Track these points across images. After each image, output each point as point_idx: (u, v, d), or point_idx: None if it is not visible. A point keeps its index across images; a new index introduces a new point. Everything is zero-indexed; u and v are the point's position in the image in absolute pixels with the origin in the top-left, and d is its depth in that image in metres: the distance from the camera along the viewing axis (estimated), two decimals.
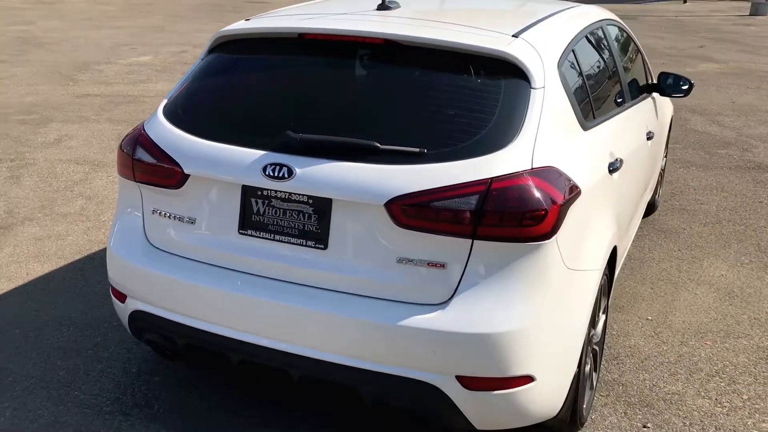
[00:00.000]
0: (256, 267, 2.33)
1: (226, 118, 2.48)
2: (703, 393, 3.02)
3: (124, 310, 2.61)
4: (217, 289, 2.35)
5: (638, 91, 3.84)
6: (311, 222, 2.24)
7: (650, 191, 4.40)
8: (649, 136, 3.65)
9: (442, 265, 2.14)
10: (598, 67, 3.17)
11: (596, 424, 2.79)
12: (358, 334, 2.18)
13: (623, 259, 3.56)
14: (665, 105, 4.74)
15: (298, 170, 2.20)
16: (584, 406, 2.63)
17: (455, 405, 2.17)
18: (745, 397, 3.01)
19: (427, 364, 2.14)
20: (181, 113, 2.53)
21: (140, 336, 2.65)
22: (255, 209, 2.31)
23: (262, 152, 2.27)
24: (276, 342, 2.28)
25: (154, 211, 2.51)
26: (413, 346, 2.13)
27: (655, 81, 4.22)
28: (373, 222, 2.16)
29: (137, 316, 2.57)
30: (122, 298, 2.61)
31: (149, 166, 2.46)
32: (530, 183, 2.13)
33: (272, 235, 2.30)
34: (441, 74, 2.39)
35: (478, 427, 2.26)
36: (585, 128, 2.61)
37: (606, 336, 3.20)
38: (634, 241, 4.54)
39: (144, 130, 2.55)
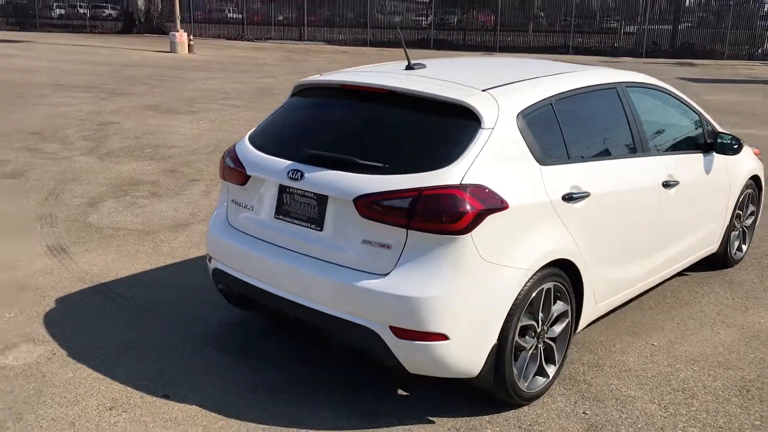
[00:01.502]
0: (282, 241, 3.38)
1: (278, 139, 3.59)
2: (656, 401, 3.49)
3: (210, 268, 3.80)
4: (257, 255, 3.43)
5: (674, 146, 4.38)
6: (315, 211, 3.25)
7: (703, 240, 4.77)
8: (669, 185, 4.13)
9: (389, 246, 3.04)
10: (589, 121, 3.84)
11: (544, 405, 3.42)
12: (332, 290, 3.13)
13: (631, 289, 4.09)
14: (741, 163, 5.07)
15: (307, 174, 3.24)
16: (517, 379, 3.27)
17: (389, 348, 3.02)
18: (693, 408, 3.43)
19: (372, 315, 3.03)
20: (257, 136, 3.70)
21: (217, 286, 3.81)
22: (285, 201, 3.37)
23: (289, 162, 3.34)
24: (286, 293, 3.30)
25: (233, 201, 3.67)
26: (364, 300, 3.03)
27: (710, 140, 4.67)
28: (347, 213, 3.12)
29: (216, 272, 3.74)
30: (210, 260, 3.80)
31: (230, 169, 3.64)
32: (453, 193, 2.96)
33: (293, 219, 3.34)
34: (418, 114, 3.32)
35: (409, 370, 3.08)
36: (543, 163, 3.34)
37: (585, 343, 3.78)
38: (690, 286, 4.93)
39: (234, 146, 3.75)
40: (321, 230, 3.23)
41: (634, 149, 3.99)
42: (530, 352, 3.36)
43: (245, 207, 3.58)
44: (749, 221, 5.46)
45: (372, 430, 3.17)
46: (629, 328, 4.29)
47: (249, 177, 3.52)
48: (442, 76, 3.61)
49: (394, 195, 3.00)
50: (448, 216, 2.94)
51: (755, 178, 5.36)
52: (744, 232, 5.43)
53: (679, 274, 5.11)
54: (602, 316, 4.25)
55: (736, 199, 5.06)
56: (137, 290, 4.64)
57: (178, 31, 26.30)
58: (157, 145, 9.33)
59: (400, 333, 2.99)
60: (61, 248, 5.38)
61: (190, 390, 3.44)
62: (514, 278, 3.12)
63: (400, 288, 2.97)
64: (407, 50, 3.91)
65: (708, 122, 4.79)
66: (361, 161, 3.16)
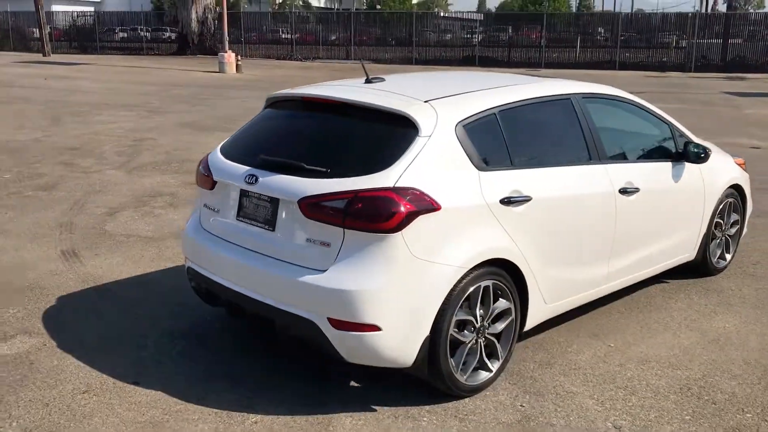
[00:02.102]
0: (242, 241, 3.66)
1: (244, 147, 3.89)
2: (595, 396, 3.63)
3: (186, 266, 4.12)
4: (221, 254, 3.73)
5: (636, 154, 4.55)
6: (268, 213, 3.53)
7: (676, 247, 4.87)
8: (628, 191, 4.27)
9: (328, 244, 3.29)
10: (537, 130, 4.04)
11: (486, 397, 3.60)
12: (279, 285, 3.40)
13: (589, 292, 4.24)
14: (719, 172, 5.15)
15: (261, 179, 3.52)
16: (455, 371, 3.46)
17: (327, 338, 3.27)
18: (629, 404, 3.56)
19: (312, 307, 3.28)
20: (228, 144, 4.01)
21: (190, 283, 4.12)
22: (244, 204, 3.67)
23: (247, 167, 3.63)
24: (242, 289, 3.59)
25: (204, 205, 3.99)
26: (306, 294, 3.29)
27: (681, 150, 4.79)
28: (294, 214, 3.39)
29: (189, 271, 4.05)
30: (186, 259, 4.12)
31: (201, 176, 3.96)
32: (386, 195, 3.20)
33: (251, 221, 3.62)
34: (365, 123, 3.58)
35: (346, 359, 3.32)
36: (482, 169, 3.55)
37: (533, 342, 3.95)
38: (666, 292, 5.03)
39: (207, 156, 4.07)
40: (273, 230, 3.51)
41: (588, 157, 4.15)
42: (469, 346, 3.55)
43: (214, 210, 3.89)
44: (733, 230, 5.51)
45: (316, 416, 3.40)
46: (592, 330, 4.42)
47: (216, 182, 3.83)
48: (394, 89, 3.86)
49: (333, 197, 3.25)
50: (379, 216, 3.18)
51: (737, 188, 5.42)
52: (727, 241, 5.48)
53: (658, 281, 5.21)
54: (564, 317, 4.39)
55: (713, 207, 5.13)
56: (132, 290, 5.00)
57: (226, 51, 27.18)
58: (184, 160, 9.81)
59: (337, 324, 3.24)
60: (73, 253, 5.80)
61: (159, 378, 3.74)
62: (446, 275, 3.33)
63: (336, 282, 3.22)
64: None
65: (681, 133, 4.90)
66: (308, 166, 3.43)
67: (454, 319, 3.41)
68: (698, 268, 5.29)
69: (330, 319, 3.25)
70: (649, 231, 4.61)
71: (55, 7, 48.17)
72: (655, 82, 25.83)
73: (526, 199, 3.67)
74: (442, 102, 3.64)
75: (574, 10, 79.92)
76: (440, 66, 32.08)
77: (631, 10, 76.19)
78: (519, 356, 4.04)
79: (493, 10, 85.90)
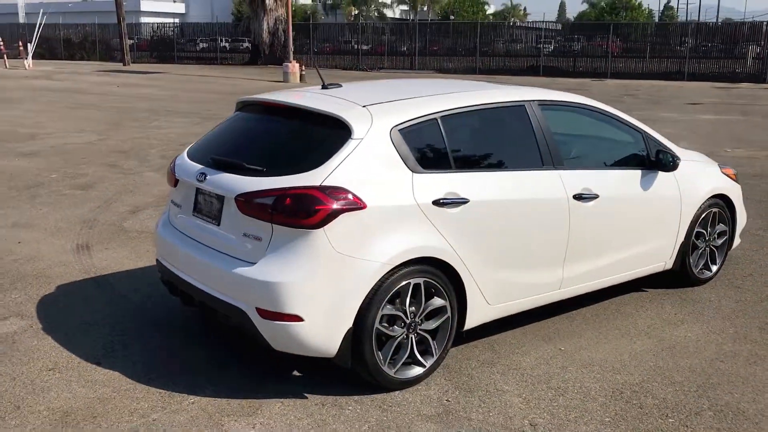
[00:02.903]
0: (197, 235, 3.94)
1: (205, 147, 4.16)
2: (523, 395, 3.71)
3: (156, 259, 4.43)
4: (179, 247, 4.01)
5: (597, 161, 4.60)
6: (216, 209, 3.79)
7: (647, 255, 4.87)
8: (584, 197, 4.32)
9: (260, 239, 3.52)
10: (483, 135, 4.16)
11: (416, 391, 3.73)
12: (218, 276, 3.65)
13: (540, 296, 4.31)
14: (699, 181, 5.11)
15: (208, 177, 3.79)
16: (382, 363, 3.61)
17: (256, 327, 3.49)
18: (555, 404, 3.62)
19: (243, 297, 3.52)
20: (194, 145, 4.30)
21: (159, 275, 4.42)
22: (198, 201, 3.94)
23: (201, 166, 3.91)
24: (192, 279, 3.86)
25: (172, 202, 4.29)
26: (238, 285, 3.52)
27: (653, 158, 4.80)
28: (233, 210, 3.63)
29: (158, 263, 4.36)
30: (156, 252, 4.43)
31: (169, 174, 4.26)
32: (311, 193, 3.41)
33: (203, 216, 3.89)
34: (306, 125, 3.82)
35: (274, 347, 3.53)
36: (417, 171, 3.70)
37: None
38: (640, 301, 5.03)
39: (176, 157, 4.37)
40: (219, 225, 3.76)
41: (541, 163, 4.23)
42: (398, 341, 3.70)
43: (178, 206, 4.18)
44: (719, 241, 5.44)
45: (249, 400, 3.62)
46: (548, 333, 4.49)
47: (177, 180, 4.13)
48: (343, 95, 4.07)
49: (263, 194, 3.49)
50: (303, 213, 3.39)
51: (724, 198, 5.35)
52: (712, 252, 5.42)
53: (637, 289, 5.21)
54: (523, 320, 4.50)
55: (692, 216, 5.09)
56: (127, 281, 5.36)
57: (290, 61, 27.92)
58: None
59: (264, 313, 3.46)
60: (86, 247, 6.23)
61: (120, 361, 4.04)
62: (369, 270, 3.50)
63: (263, 274, 3.44)
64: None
65: (655, 141, 4.90)
66: (248, 165, 3.68)
67: (381, 313, 3.57)
68: (679, 277, 5.26)
69: (258, 309, 3.47)
70: (614, 238, 4.64)
71: (144, 19, 50.53)
72: (720, 93, 25.03)
73: (463, 201, 3.80)
74: (380, 107, 3.82)
75: (657, 20, 78.02)
76: (503, 76, 32.00)
77: (717, 19, 73.82)
78: (464, 354, 4.16)
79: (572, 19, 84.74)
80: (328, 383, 3.78)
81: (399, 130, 3.74)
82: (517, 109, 4.29)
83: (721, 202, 5.35)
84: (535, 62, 34.18)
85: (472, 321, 4.01)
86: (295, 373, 3.93)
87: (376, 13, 79.11)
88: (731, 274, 5.65)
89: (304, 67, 28.31)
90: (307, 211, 3.39)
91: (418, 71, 35.16)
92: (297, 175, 3.50)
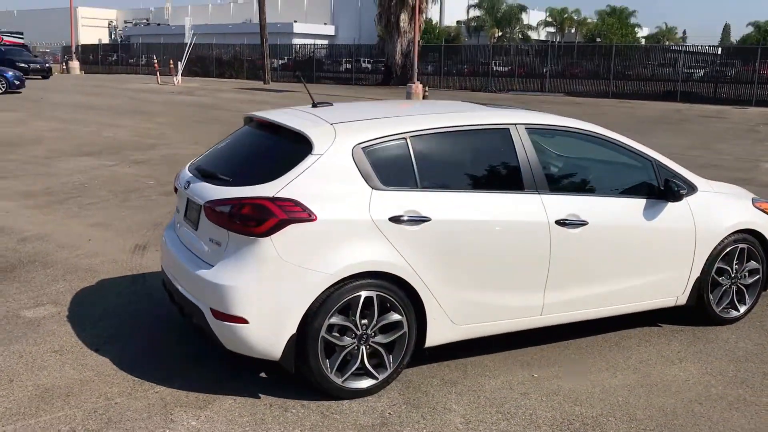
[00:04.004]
0: (185, 240, 4.27)
1: (201, 158, 4.50)
2: (468, 416, 3.70)
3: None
4: (171, 250, 4.35)
5: (592, 188, 4.51)
6: (196, 215, 4.09)
7: (654, 288, 4.67)
8: (568, 223, 4.24)
9: (219, 244, 3.78)
10: (456, 156, 4.18)
11: (365, 401, 3.82)
12: (189, 277, 3.94)
13: (517, 320, 4.27)
14: (718, 213, 4.84)
15: (191, 185, 4.11)
16: (329, 371, 3.74)
17: (210, 326, 3.75)
18: (495, 427, 3.60)
19: (202, 297, 3.78)
20: (197, 157, 4.66)
21: (162, 281, 4.78)
22: (187, 207, 4.27)
23: (190, 175, 4.24)
24: (174, 279, 4.18)
25: (176, 209, 4.66)
26: (199, 286, 3.80)
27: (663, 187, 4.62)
28: (203, 216, 3.93)
29: (162, 268, 4.73)
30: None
31: (174, 185, 4.63)
32: (262, 204, 3.63)
33: (189, 221, 4.22)
34: (279, 140, 4.05)
35: (225, 347, 3.76)
36: (377, 188, 3.82)
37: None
38: (648, 335, 4.83)
39: (181, 169, 4.74)
40: (196, 230, 4.07)
41: (521, 186, 4.20)
42: (348, 351, 3.81)
43: (178, 212, 4.54)
44: (750, 280, 5.08)
45: (206, 394, 3.87)
46: (530, 360, 4.42)
47: (176, 188, 4.49)
48: (322, 113, 4.27)
49: (222, 202, 3.75)
50: (253, 221, 3.62)
51: (755, 234, 5.01)
52: (742, 291, 5.07)
53: (651, 323, 5.00)
54: (510, 344, 4.50)
55: (710, 251, 4.82)
56: (158, 280, 5.79)
57: (414, 82, 28.46)
58: None
59: (216, 314, 3.70)
60: (143, 247, 6.79)
61: (116, 350, 4.43)
62: (314, 280, 3.65)
63: (216, 277, 3.70)
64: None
65: (666, 170, 4.71)
66: (220, 175, 3.96)
67: (327, 322, 3.71)
68: (697, 315, 4.98)
69: (211, 309, 3.72)
70: (608, 267, 4.50)
71: (296, 41, 53.19)
72: None
73: (424, 220, 3.87)
74: (347, 125, 3.98)
75: None
76: (633, 101, 30.83)
77: None
78: (431, 372, 4.20)
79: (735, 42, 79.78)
80: (287, 387, 3.95)
81: (362, 148, 3.88)
82: (501, 132, 4.29)
83: (752, 237, 5.01)
84: (672, 87, 32.62)
85: (433, 339, 4.05)
86: (262, 374, 4.14)
87: (520, 35, 78.62)
88: (763, 315, 5.25)
89: (427, 89, 28.74)
90: (256, 220, 3.61)
91: (547, 94, 34.59)
92: (255, 186, 3.73)
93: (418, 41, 37.94)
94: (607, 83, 34.01)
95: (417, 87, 28.13)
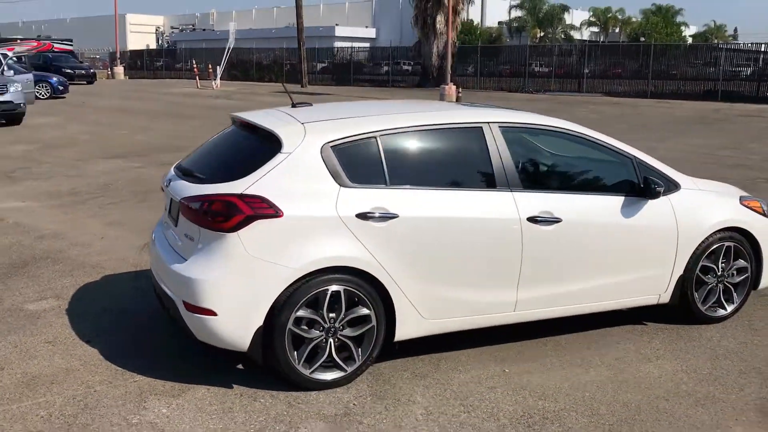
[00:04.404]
0: (168, 236, 4.44)
1: (186, 157, 4.67)
2: (430, 408, 3.78)
3: None
4: (156, 247, 4.52)
5: (567, 185, 4.55)
6: (176, 211, 4.26)
7: (634, 285, 4.67)
8: (540, 220, 4.28)
9: (192, 239, 3.94)
10: (425, 154, 4.26)
11: (333, 392, 3.92)
12: (166, 272, 4.10)
13: (489, 316, 4.32)
14: (704, 211, 4.82)
15: (171, 183, 4.28)
16: (296, 362, 3.85)
17: (183, 318, 3.90)
18: (454, 420, 3.66)
19: (176, 290, 3.94)
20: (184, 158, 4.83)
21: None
22: (170, 204, 4.44)
23: (173, 173, 4.41)
24: (156, 272, 4.36)
25: (164, 207, 4.84)
26: (173, 279, 3.96)
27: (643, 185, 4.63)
28: (181, 213, 4.09)
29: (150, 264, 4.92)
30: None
31: (161, 185, 4.82)
32: (230, 200, 3.77)
33: (171, 218, 4.38)
34: (253, 139, 4.19)
35: (196, 337, 3.91)
36: (345, 185, 3.93)
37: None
38: (631, 334, 4.83)
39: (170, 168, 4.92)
40: (176, 226, 4.23)
41: (494, 184, 4.26)
42: (316, 343, 3.92)
43: (165, 209, 4.72)
44: (738, 278, 5.03)
45: (182, 384, 4.02)
46: (505, 356, 4.47)
47: (162, 187, 4.67)
48: (297, 113, 4.40)
49: (195, 199, 3.91)
50: (221, 217, 3.77)
51: (743, 232, 4.96)
52: (728, 289, 5.03)
53: (636, 320, 5.00)
54: (489, 340, 4.56)
55: (693, 248, 4.79)
56: None
57: (447, 84, 28.46)
58: None
59: (188, 306, 3.86)
60: None
61: (106, 342, 4.62)
62: (281, 274, 3.78)
63: (188, 271, 3.86)
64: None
65: (647, 167, 4.70)
66: (196, 173, 4.12)
67: (294, 315, 3.83)
68: (683, 313, 4.96)
69: (184, 302, 3.88)
70: (584, 264, 4.52)
71: (337, 44, 53.64)
72: None
73: (392, 216, 3.96)
74: (317, 124, 4.10)
75: None
76: (671, 100, 30.30)
77: None
78: (404, 366, 4.29)
79: None
80: (261, 379, 4.06)
81: (331, 147, 3.99)
82: (474, 130, 4.36)
83: (739, 236, 4.97)
84: (713, 86, 31.93)
85: (403, 333, 4.13)
86: (239, 366, 4.28)
87: (562, 36, 77.79)
88: (755, 314, 5.20)
89: (461, 90, 28.71)
90: (224, 216, 3.76)
91: (585, 94, 34.21)
92: (225, 183, 3.88)
93: (453, 42, 38.00)
94: (645, 83, 33.46)
95: (450, 88, 28.11)
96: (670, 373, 4.27)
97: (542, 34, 77.58)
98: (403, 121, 4.27)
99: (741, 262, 5.03)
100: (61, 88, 27.08)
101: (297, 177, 3.90)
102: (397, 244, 3.99)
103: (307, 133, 4.02)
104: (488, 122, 4.39)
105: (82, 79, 36.20)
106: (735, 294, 5.07)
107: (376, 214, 3.94)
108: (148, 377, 4.12)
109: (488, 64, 40.84)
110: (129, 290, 5.67)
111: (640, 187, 4.62)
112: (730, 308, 5.06)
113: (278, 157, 3.92)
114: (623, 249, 4.62)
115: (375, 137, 4.10)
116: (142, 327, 4.89)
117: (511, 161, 4.34)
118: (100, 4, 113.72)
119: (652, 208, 4.64)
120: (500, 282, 4.31)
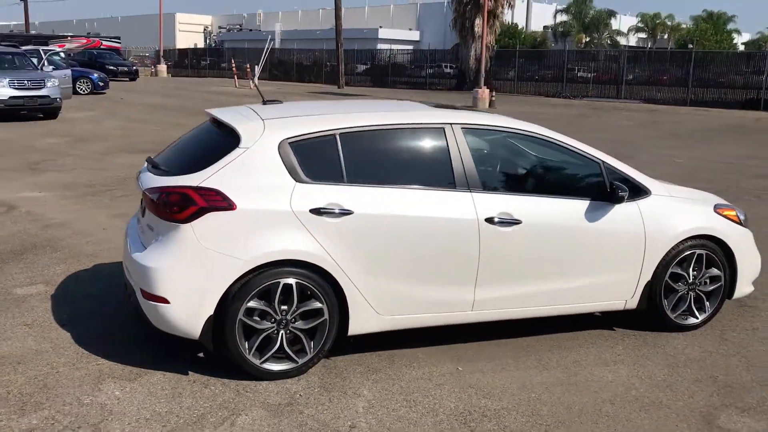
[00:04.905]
0: (137, 226, 4.60)
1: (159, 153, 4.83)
2: (373, 401, 3.86)
3: None
4: (126, 238, 4.67)
5: (527, 188, 4.59)
6: (143, 203, 4.42)
7: (597, 289, 4.66)
8: (497, 221, 4.31)
9: (152, 229, 4.08)
10: (385, 153, 4.32)
11: (283, 383, 4.02)
12: (129, 260, 4.25)
13: (448, 314, 4.37)
14: (674, 218, 4.78)
15: (141, 175, 4.44)
16: (246, 352, 3.96)
17: (141, 305, 4.05)
18: (395, 414, 3.73)
19: (135, 278, 4.09)
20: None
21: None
22: (143, 200, 4.60)
23: (144, 166, 4.57)
24: (124, 261, 4.52)
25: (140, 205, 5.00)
26: (133, 267, 4.11)
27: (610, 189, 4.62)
28: (144, 203, 4.24)
29: None
30: None
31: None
32: (184, 192, 3.90)
33: (141, 209, 4.54)
34: (217, 134, 4.31)
35: (153, 324, 4.04)
36: (301, 181, 4.03)
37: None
38: (598, 339, 4.83)
39: None
40: (143, 217, 4.39)
41: (453, 184, 4.31)
42: (267, 334, 4.02)
43: (139, 205, 4.88)
44: (711, 287, 4.98)
45: (141, 368, 4.16)
46: (463, 354, 4.51)
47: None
48: (264, 110, 4.51)
49: (155, 190, 4.05)
50: (176, 208, 3.90)
51: (716, 240, 4.91)
52: (701, 298, 4.98)
53: (609, 327, 4.99)
54: (447, 339, 4.60)
55: (662, 255, 4.76)
56: None
57: (480, 87, 28.38)
58: None
59: (144, 294, 4.00)
60: None
61: (79, 326, 4.79)
62: (232, 266, 3.89)
63: (145, 259, 4.00)
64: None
65: (615, 172, 4.69)
66: (162, 166, 4.27)
67: (245, 306, 3.94)
68: (653, 321, 4.93)
69: (141, 290, 4.02)
70: (545, 266, 4.53)
71: (380, 46, 53.77)
72: None
73: (346, 213, 4.05)
74: (277, 121, 4.21)
75: None
76: (714, 108, 29.67)
77: None
78: (359, 360, 4.37)
79: None
80: (218, 367, 4.18)
81: (289, 143, 4.10)
82: (435, 131, 4.41)
83: (712, 244, 4.92)
84: (755, 95, 31.13)
85: (356, 328, 4.21)
86: (200, 354, 4.40)
87: (608, 41, 76.72)
88: (730, 324, 5.13)
89: (494, 94, 28.61)
90: (179, 207, 3.89)
91: (623, 101, 33.71)
92: (184, 176, 4.01)
93: (491, 46, 37.84)
94: (685, 90, 32.79)
95: (483, 92, 28.05)
96: (624, 378, 4.26)
97: (588, 39, 76.55)
98: (364, 120, 4.35)
99: (714, 271, 4.98)
100: (101, 84, 27.79)
101: (253, 171, 4.01)
102: (351, 241, 4.07)
103: (265, 130, 4.13)
104: (450, 123, 4.44)
105: (124, 76, 37.05)
106: (707, 303, 5.02)
107: (330, 210, 4.03)
108: (110, 361, 4.27)
109: (528, 68, 40.48)
110: (116, 278, 5.83)
111: (607, 191, 4.62)
112: (701, 317, 5.01)
113: (236, 152, 4.04)
114: (587, 253, 4.62)
115: (334, 135, 4.19)
116: (117, 314, 5.05)
117: (473, 162, 4.38)
118: (153, 3, 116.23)
119: (619, 213, 4.63)
120: (457, 281, 4.35)
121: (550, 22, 77.86)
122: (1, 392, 3.86)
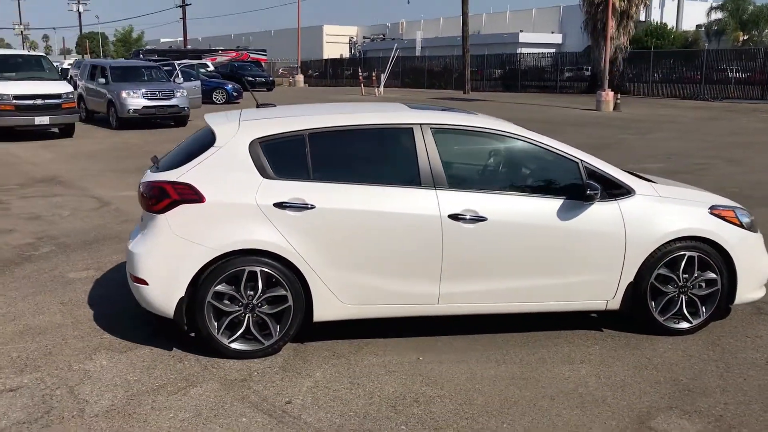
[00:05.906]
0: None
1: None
2: (320, 382, 4.11)
3: None
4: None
5: (495, 185, 4.69)
6: None
7: (573, 289, 4.65)
8: (461, 218, 4.43)
9: (142, 220, 4.59)
10: (351, 152, 4.57)
11: (248, 362, 4.37)
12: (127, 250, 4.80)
13: (415, 306, 4.55)
14: (659, 218, 4.67)
15: (146, 172, 4.97)
16: (215, 332, 4.35)
17: (131, 287, 4.56)
18: (332, 396, 3.98)
19: (127, 264, 4.61)
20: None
21: None
22: None
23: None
24: None
25: None
26: (127, 255, 4.63)
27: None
28: None
29: None
30: None
31: None
32: (161, 186, 4.37)
33: None
34: (205, 135, 4.73)
35: (140, 304, 4.54)
36: (268, 177, 4.38)
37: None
38: (579, 336, 4.83)
39: None
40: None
41: (418, 182, 4.48)
42: (234, 316, 4.40)
43: None
44: (707, 291, 4.79)
45: (132, 343, 4.67)
46: (431, 346, 4.66)
47: None
48: (251, 113, 4.90)
49: (143, 185, 4.56)
50: (153, 200, 4.39)
51: (711, 242, 4.73)
52: (694, 301, 4.80)
53: (597, 327, 4.95)
54: (424, 331, 4.79)
55: (645, 256, 4.65)
56: None
57: (605, 90, 27.47)
58: None
59: (131, 277, 4.52)
60: None
61: (105, 307, 5.41)
62: (200, 253, 4.30)
63: (132, 246, 4.51)
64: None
65: (595, 171, 4.66)
66: (158, 164, 4.77)
67: (213, 290, 4.33)
68: (641, 322, 4.83)
69: (129, 273, 4.54)
70: (515, 263, 4.57)
71: (522, 50, 53.29)
72: None
73: (308, 207, 4.35)
74: (252, 122, 4.58)
75: None
76: None
77: None
78: (327, 346, 4.65)
79: None
80: (202, 347, 4.59)
81: (260, 143, 4.46)
82: (404, 131, 4.60)
83: (706, 246, 4.73)
84: None
85: (321, 315, 4.49)
86: (192, 334, 4.85)
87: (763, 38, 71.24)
88: (732, 330, 4.90)
89: (620, 96, 27.61)
90: (156, 199, 4.37)
91: (766, 102, 31.33)
92: (165, 172, 4.49)
93: (624, 47, 36.44)
94: None
95: (607, 95, 27.14)
96: (581, 376, 4.24)
97: (746, 37, 71.48)
98: (334, 121, 4.63)
99: (710, 274, 4.78)
100: (235, 94, 29.70)
101: (225, 168, 4.41)
102: (314, 233, 4.37)
103: (239, 130, 4.52)
104: (420, 123, 4.61)
105: (261, 86, 39.15)
106: (702, 307, 4.83)
107: (292, 204, 4.34)
108: (112, 336, 4.82)
109: (665, 69, 38.57)
110: None
111: (583, 191, 4.59)
112: (695, 321, 4.83)
113: (210, 150, 4.46)
114: (560, 251, 4.61)
115: (303, 135, 4.51)
116: (126, 296, 5.61)
117: (439, 161, 4.53)
118: (305, 17, 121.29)
119: (596, 212, 4.59)
120: (422, 274, 4.51)
121: (703, 20, 73.48)
122: (13, 355, 4.50)
